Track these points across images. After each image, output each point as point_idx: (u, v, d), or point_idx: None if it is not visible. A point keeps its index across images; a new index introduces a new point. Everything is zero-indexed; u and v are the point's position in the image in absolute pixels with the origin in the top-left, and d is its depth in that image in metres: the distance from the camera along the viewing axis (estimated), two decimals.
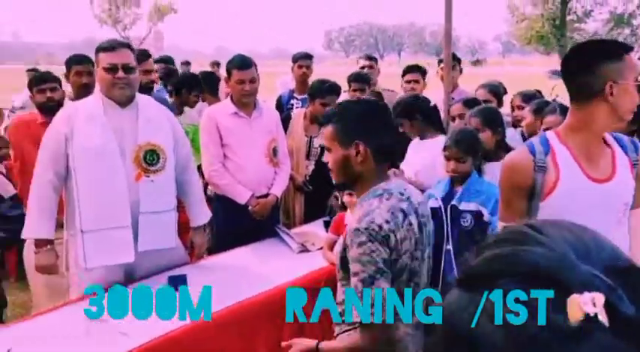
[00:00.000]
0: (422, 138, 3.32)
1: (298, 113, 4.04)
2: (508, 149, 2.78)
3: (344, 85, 4.25)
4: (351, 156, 1.71)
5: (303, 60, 4.85)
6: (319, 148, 3.91)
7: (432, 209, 2.83)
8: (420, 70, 4.77)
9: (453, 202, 2.71)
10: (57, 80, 3.58)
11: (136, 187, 2.67)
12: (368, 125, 1.72)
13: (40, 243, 2.68)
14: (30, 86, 3.59)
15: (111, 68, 2.62)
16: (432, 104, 3.41)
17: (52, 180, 2.65)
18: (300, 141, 3.91)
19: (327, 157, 1.86)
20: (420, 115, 3.29)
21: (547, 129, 3.10)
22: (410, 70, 4.76)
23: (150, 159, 2.69)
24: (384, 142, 1.74)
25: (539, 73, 35.87)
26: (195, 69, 12.53)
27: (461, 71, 4.88)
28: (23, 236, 2.77)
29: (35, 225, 2.66)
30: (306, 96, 4.87)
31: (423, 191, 2.65)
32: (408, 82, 4.64)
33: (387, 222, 1.60)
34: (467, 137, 2.80)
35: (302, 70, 4.83)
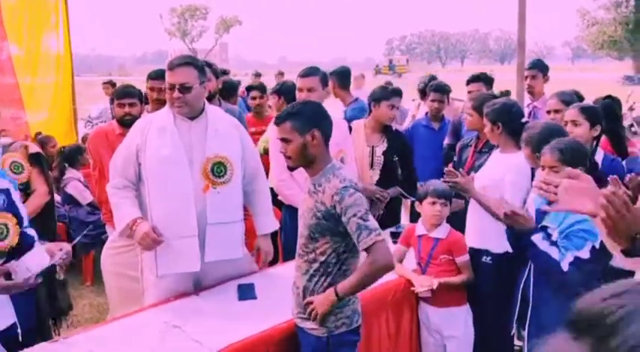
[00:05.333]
0: (501, 150, 3.10)
1: (358, 124, 4.01)
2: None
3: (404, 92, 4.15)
4: (308, 142, 2.20)
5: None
6: (382, 157, 3.87)
7: None
8: (483, 80, 4.54)
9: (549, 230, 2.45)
10: (137, 95, 3.69)
11: (204, 198, 2.71)
12: (317, 117, 2.25)
13: (133, 224, 2.68)
14: (111, 98, 3.74)
15: (169, 88, 2.70)
16: (523, 119, 3.12)
17: (125, 182, 2.77)
18: (363, 151, 3.88)
19: (284, 148, 2.26)
20: (503, 125, 3.04)
21: None
22: (473, 79, 4.56)
23: (217, 171, 2.74)
24: (328, 128, 2.27)
25: (610, 78, 34.28)
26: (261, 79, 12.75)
27: (547, 79, 4.69)
28: (118, 231, 2.82)
29: (123, 216, 2.71)
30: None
31: None
32: (471, 92, 4.43)
33: (356, 183, 2.21)
34: (570, 142, 2.51)
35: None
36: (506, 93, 4.05)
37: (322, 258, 2.22)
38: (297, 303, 2.32)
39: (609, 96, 3.63)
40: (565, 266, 2.35)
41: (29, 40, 7.08)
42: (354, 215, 2.09)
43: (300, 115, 2.23)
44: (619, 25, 36.83)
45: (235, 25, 66.09)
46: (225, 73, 11.88)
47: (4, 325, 2.19)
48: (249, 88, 5.22)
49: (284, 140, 2.26)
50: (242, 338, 2.29)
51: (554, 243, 2.42)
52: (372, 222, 2.11)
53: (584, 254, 2.34)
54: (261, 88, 5.28)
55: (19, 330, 2.25)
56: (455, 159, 3.76)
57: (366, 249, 2.10)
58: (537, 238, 2.42)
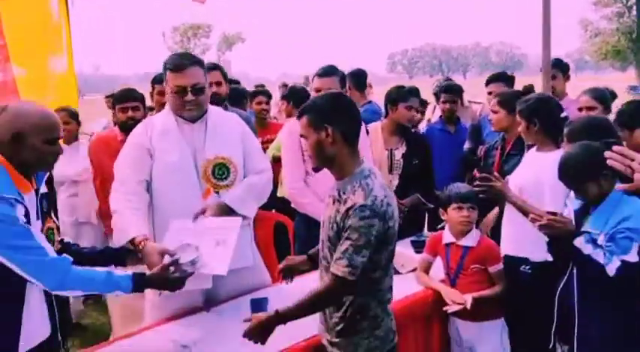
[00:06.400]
0: (538, 149, 2.86)
1: (375, 126, 3.80)
2: None
3: None
4: (322, 139, 1.96)
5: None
6: (401, 160, 3.65)
7: None
8: (504, 79, 4.27)
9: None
10: (140, 99, 3.52)
11: (204, 204, 2.47)
12: (334, 112, 1.98)
13: (137, 243, 2.24)
14: (113, 103, 3.58)
15: (177, 90, 2.47)
16: (563, 114, 2.85)
17: (136, 189, 2.45)
18: (382, 155, 3.68)
19: (304, 145, 2.05)
20: (539, 122, 2.79)
21: None
22: (493, 79, 4.29)
23: (219, 173, 2.54)
24: (349, 125, 1.99)
25: (615, 88, 33.99)
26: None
27: (568, 78, 4.44)
28: (116, 242, 2.39)
29: (127, 227, 2.31)
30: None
31: None
32: (491, 93, 4.18)
33: (385, 196, 1.92)
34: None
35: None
36: (530, 87, 3.84)
37: None
38: (322, 320, 2.10)
39: None
40: (611, 272, 2.09)
41: (34, 62, 7.00)
42: (351, 238, 1.88)
43: (315, 109, 2.01)
44: (622, 35, 36.78)
45: (238, 42, 66.47)
46: (234, 82, 11.67)
47: (43, 336, 2.00)
48: (254, 94, 5.03)
49: (302, 136, 2.04)
50: None
51: (598, 246, 2.18)
52: (360, 259, 1.87)
53: (633, 257, 2.09)
54: (267, 94, 5.10)
55: (60, 339, 2.10)
56: (481, 163, 3.53)
57: (330, 274, 1.92)
58: (579, 242, 2.18)
